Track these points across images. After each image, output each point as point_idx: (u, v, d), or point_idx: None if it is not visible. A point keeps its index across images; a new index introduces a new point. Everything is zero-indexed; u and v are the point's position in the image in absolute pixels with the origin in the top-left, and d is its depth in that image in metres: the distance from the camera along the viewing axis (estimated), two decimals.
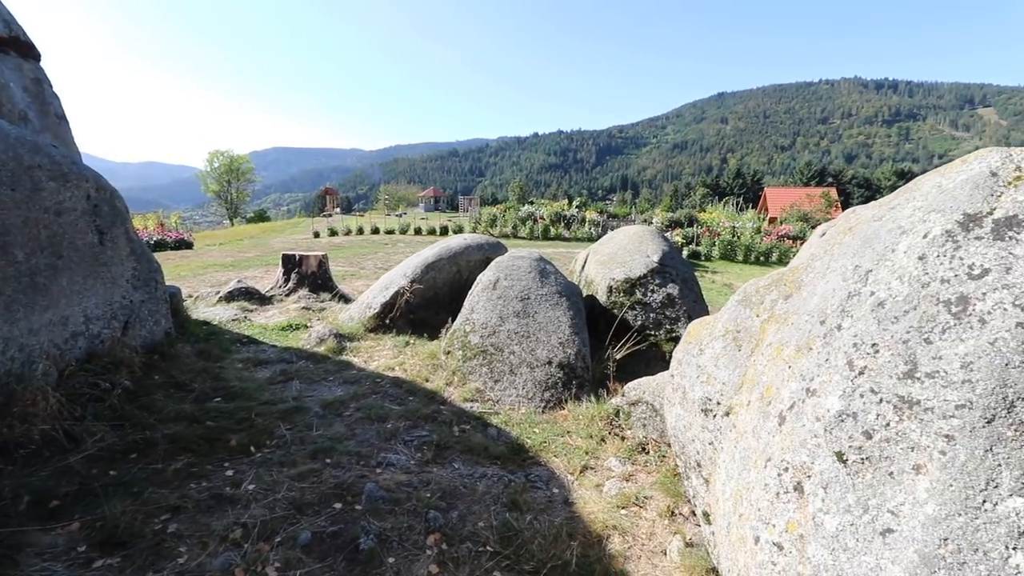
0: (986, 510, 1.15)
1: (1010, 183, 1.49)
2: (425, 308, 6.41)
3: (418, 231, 25.37)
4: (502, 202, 43.67)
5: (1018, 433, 1.15)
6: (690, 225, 25.90)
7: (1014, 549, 1.10)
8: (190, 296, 7.96)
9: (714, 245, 21.07)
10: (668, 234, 22.09)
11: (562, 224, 27.33)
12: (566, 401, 4.34)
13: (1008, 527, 1.12)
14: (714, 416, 2.32)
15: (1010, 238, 1.36)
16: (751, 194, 63.20)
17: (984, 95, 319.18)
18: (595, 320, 6.06)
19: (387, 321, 6.09)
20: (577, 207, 32.38)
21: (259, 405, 4.05)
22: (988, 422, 1.19)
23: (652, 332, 5.80)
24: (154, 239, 19.09)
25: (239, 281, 8.26)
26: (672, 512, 2.90)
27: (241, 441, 3.46)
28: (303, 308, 7.28)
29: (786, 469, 1.62)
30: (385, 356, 5.42)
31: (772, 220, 32.41)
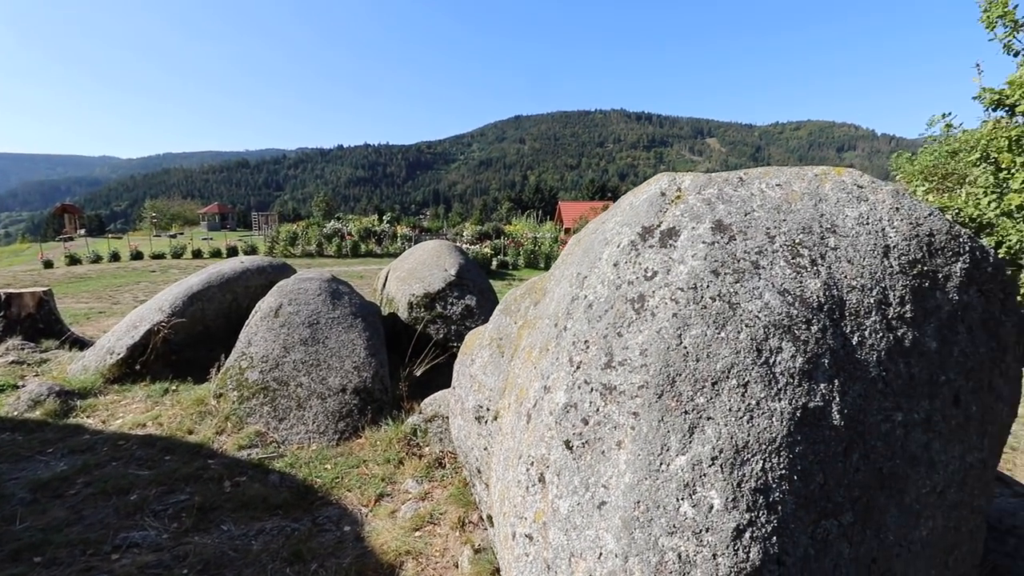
0: (662, 471, 1.39)
1: (673, 201, 1.87)
2: (193, 346, 5.48)
3: (197, 254, 21.84)
4: (306, 218, 40.42)
5: (679, 403, 1.43)
6: (497, 237, 27.56)
7: (682, 499, 1.35)
8: None
9: (519, 255, 22.77)
10: (478, 246, 23.17)
11: (373, 240, 26.49)
12: (363, 428, 4.12)
13: (678, 482, 1.37)
14: (486, 422, 2.42)
15: (671, 245, 1.69)
16: (549, 207, 70.12)
17: (710, 128, 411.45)
18: (398, 338, 5.94)
19: (138, 367, 5.02)
20: (388, 222, 31.73)
21: None
22: (659, 397, 1.45)
23: (454, 344, 5.92)
24: None
25: None
26: (463, 523, 2.95)
27: None
28: (13, 363, 5.57)
29: (532, 463, 1.75)
30: (134, 411, 4.44)
31: (567, 230, 36.40)
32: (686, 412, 1.41)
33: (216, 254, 21.90)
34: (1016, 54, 6.58)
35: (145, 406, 4.57)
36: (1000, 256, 6.46)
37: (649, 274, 1.65)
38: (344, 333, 4.77)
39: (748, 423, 1.37)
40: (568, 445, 1.62)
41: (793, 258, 1.58)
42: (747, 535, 1.28)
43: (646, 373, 1.48)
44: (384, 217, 33.75)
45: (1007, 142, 6.32)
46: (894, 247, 1.64)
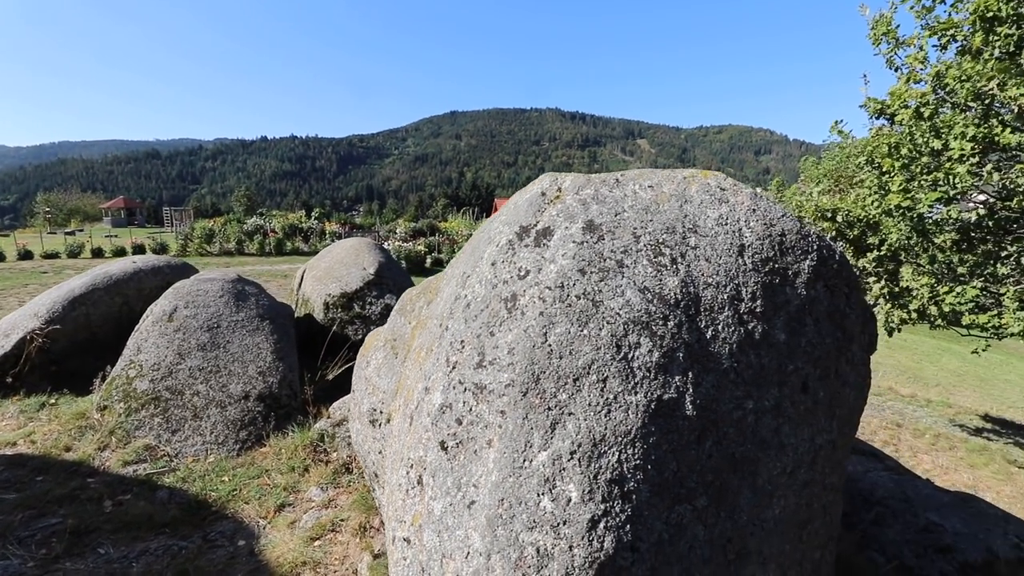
0: (525, 467, 1.41)
1: (552, 201, 1.90)
2: (79, 355, 4.96)
3: (98, 252, 19.89)
4: (226, 213, 37.93)
5: (543, 400, 1.46)
6: (432, 234, 27.20)
7: (542, 494, 1.38)
8: None
9: (453, 252, 22.59)
10: (411, 244, 22.74)
11: (299, 237, 25.30)
12: (268, 436, 3.91)
13: (539, 477, 1.39)
14: (380, 425, 2.36)
15: (544, 245, 1.72)
16: (486, 204, 70.14)
17: (640, 129, 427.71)
18: (313, 339, 5.69)
19: (9, 380, 4.48)
20: (317, 218, 30.44)
21: None
22: (524, 395, 1.47)
23: None
24: None
25: None
26: (365, 528, 2.87)
27: None
28: None
29: (411, 466, 1.73)
30: (2, 429, 3.96)
31: None
32: (549, 409, 1.44)
33: (120, 253, 20.04)
34: (897, 68, 7.30)
35: (17, 423, 4.09)
36: (884, 252, 7.17)
37: (522, 273, 1.67)
38: (248, 337, 4.50)
39: (606, 417, 1.42)
40: (443, 446, 1.61)
41: (655, 257, 1.65)
42: (602, 525, 1.33)
43: (513, 372, 1.50)
44: (312, 213, 32.34)
45: (887, 148, 7.00)
46: (749, 246, 1.76)
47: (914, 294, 6.45)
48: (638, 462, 1.40)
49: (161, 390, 3.98)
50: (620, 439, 1.40)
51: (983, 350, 7.24)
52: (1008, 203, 5.93)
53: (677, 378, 1.51)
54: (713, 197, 1.87)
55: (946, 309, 6.48)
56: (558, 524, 1.33)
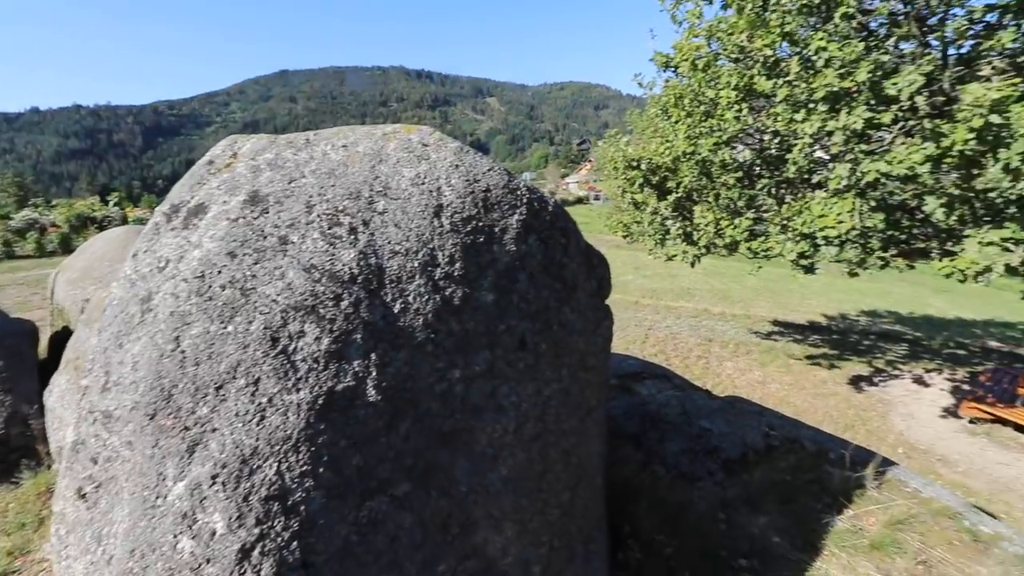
0: (159, 505, 1.16)
1: (220, 169, 1.58)
2: None
3: None
4: None
5: (177, 420, 1.20)
6: None
7: (180, 534, 1.14)
8: None
9: None
10: None
11: (94, 229, 21.00)
12: None
13: (174, 515, 1.15)
14: None
15: (193, 226, 1.42)
16: None
17: (489, 88, 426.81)
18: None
19: None
20: (116, 204, 25.46)
21: None
22: (151, 417, 1.20)
23: None
24: None
25: None
26: None
27: None
28: None
29: (59, 521, 1.37)
30: None
31: None
32: (186, 429, 1.19)
33: None
34: (680, 24, 7.89)
35: None
36: (680, 194, 7.94)
37: (162, 265, 1.35)
38: None
39: (258, 425, 1.21)
40: (80, 493, 1.28)
41: (330, 228, 1.45)
42: (256, 552, 1.14)
43: (136, 391, 1.21)
44: (109, 198, 26.97)
45: (674, 99, 7.65)
46: (448, 206, 1.65)
47: (701, 231, 7.29)
48: (305, 468, 1.23)
49: None
50: (278, 447, 1.21)
51: (758, 269, 8.54)
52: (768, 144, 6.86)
53: (356, 363, 1.35)
54: (412, 155, 1.71)
55: (727, 240, 7.43)
56: (200, 565, 1.11)
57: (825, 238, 5.49)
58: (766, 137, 6.85)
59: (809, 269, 6.45)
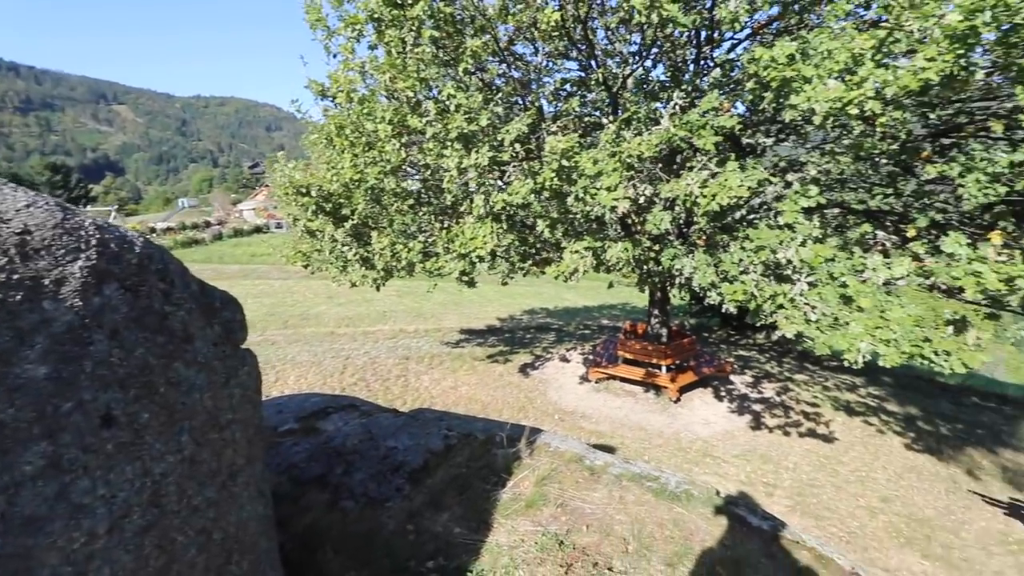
0: None
1: None
2: None
3: None
4: None
5: None
6: None
7: None
8: None
9: None
10: None
11: None
12: None
13: None
14: None
15: None
16: None
17: (115, 93, 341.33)
18: None
19: None
20: None
21: None
22: None
23: None
24: None
25: None
26: None
27: None
28: None
29: None
30: None
31: None
32: None
33: None
34: (335, 55, 7.93)
35: None
36: (356, 221, 7.98)
37: None
38: None
39: None
40: None
41: None
42: None
43: None
44: None
45: (336, 128, 7.67)
46: None
47: (378, 255, 7.58)
48: None
49: None
50: None
51: (434, 287, 9.38)
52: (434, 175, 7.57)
53: None
54: None
55: (404, 263, 7.89)
56: None
57: (479, 256, 6.45)
58: (422, 169, 7.62)
59: (471, 283, 7.47)
